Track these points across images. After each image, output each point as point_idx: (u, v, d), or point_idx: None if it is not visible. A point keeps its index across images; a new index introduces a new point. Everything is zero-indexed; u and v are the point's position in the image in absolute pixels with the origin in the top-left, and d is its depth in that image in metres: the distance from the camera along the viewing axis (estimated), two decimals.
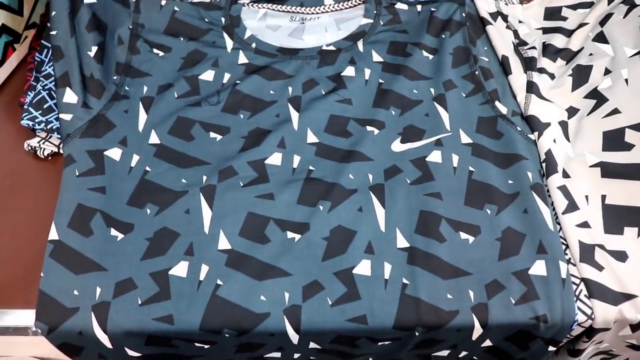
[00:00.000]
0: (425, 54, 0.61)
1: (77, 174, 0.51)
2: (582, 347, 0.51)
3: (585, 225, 0.51)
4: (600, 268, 0.49)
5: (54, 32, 0.54)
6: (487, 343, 0.49)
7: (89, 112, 0.54)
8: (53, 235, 0.48)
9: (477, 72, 0.59)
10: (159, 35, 0.60)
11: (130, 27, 0.59)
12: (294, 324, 0.45)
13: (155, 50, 0.59)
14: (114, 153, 0.53)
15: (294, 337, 0.46)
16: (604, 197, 0.53)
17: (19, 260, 0.50)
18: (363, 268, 0.48)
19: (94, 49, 0.56)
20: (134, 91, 0.56)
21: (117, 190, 0.50)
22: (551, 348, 0.49)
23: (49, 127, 0.55)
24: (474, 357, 0.52)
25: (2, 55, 0.59)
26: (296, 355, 0.50)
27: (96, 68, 0.55)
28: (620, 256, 0.50)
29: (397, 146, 0.54)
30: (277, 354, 0.49)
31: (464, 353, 0.51)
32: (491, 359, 0.52)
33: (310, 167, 0.52)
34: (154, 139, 0.54)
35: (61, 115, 0.53)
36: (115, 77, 0.56)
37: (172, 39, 0.60)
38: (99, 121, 0.54)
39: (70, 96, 0.53)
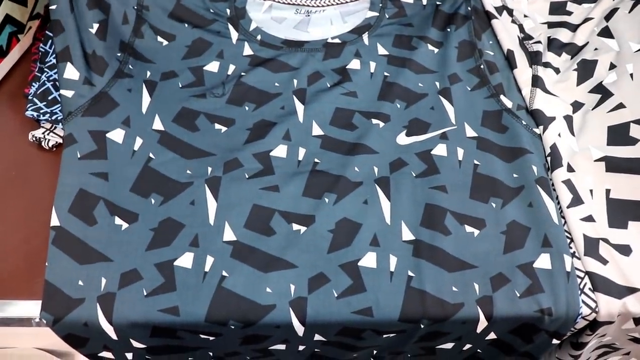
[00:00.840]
0: (430, 47, 0.61)
1: (79, 156, 0.51)
2: (586, 340, 0.51)
3: (589, 219, 0.51)
4: (604, 262, 0.49)
5: (53, 7, 0.54)
6: (492, 336, 0.49)
7: (92, 90, 0.53)
8: (54, 221, 0.48)
9: (482, 66, 0.59)
10: (163, 19, 0.59)
11: (135, 7, 0.58)
12: (300, 316, 0.45)
13: (159, 39, 0.58)
14: (117, 135, 0.52)
15: (300, 329, 0.46)
16: (608, 191, 0.53)
17: (23, 251, 0.50)
18: (368, 260, 0.48)
19: (96, 26, 0.55)
20: (137, 72, 0.56)
21: (120, 176, 0.50)
22: (555, 341, 0.49)
23: (53, 118, 0.54)
24: (478, 350, 0.53)
25: (6, 46, 0.59)
26: (301, 348, 0.50)
27: (98, 45, 0.55)
28: (625, 250, 0.50)
29: (403, 139, 0.54)
30: (282, 346, 0.49)
31: (468, 346, 0.51)
32: (495, 352, 0.53)
33: (316, 160, 0.52)
34: (157, 125, 0.53)
35: (62, 92, 0.52)
36: (119, 54, 0.56)
37: (177, 24, 0.60)
38: (102, 99, 0.53)
39: (71, 72, 0.53)
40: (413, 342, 0.50)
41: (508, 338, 0.50)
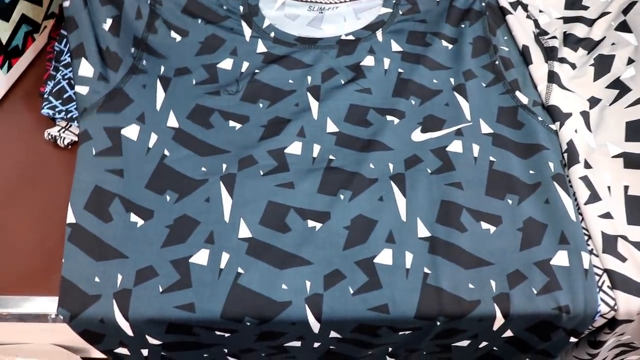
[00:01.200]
0: (444, 43, 0.60)
1: (94, 152, 0.51)
2: (604, 338, 0.50)
3: (607, 216, 0.51)
4: (623, 259, 0.49)
5: (66, 4, 0.54)
6: (508, 333, 0.49)
7: (106, 86, 0.54)
8: (70, 218, 0.48)
9: (497, 62, 0.59)
10: (177, 15, 0.60)
11: (149, 2, 0.58)
12: (316, 313, 0.45)
13: (173, 34, 0.58)
14: (131, 131, 0.52)
15: (315, 326, 0.46)
16: (626, 188, 0.52)
17: (39, 248, 0.51)
18: (384, 257, 0.47)
19: (109, 21, 0.55)
20: (151, 67, 0.56)
21: (136, 173, 0.50)
22: (572, 339, 0.49)
23: (69, 116, 0.55)
24: (494, 348, 0.52)
25: (22, 45, 0.60)
26: (316, 345, 0.50)
27: (112, 41, 0.55)
28: None
29: (418, 136, 0.54)
30: (297, 343, 0.49)
31: (484, 343, 0.51)
32: (511, 350, 0.52)
33: (331, 157, 0.52)
34: (172, 122, 0.53)
35: (77, 88, 0.53)
36: (132, 50, 0.56)
37: (190, 19, 0.60)
38: (116, 95, 0.54)
39: (86, 68, 0.53)
40: (429, 340, 0.49)
41: (525, 336, 0.49)
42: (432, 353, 0.53)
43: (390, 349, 0.52)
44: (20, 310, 0.48)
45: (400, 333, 0.48)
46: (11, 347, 0.56)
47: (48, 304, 0.48)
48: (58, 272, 0.48)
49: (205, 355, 0.52)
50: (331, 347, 0.50)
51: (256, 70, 0.57)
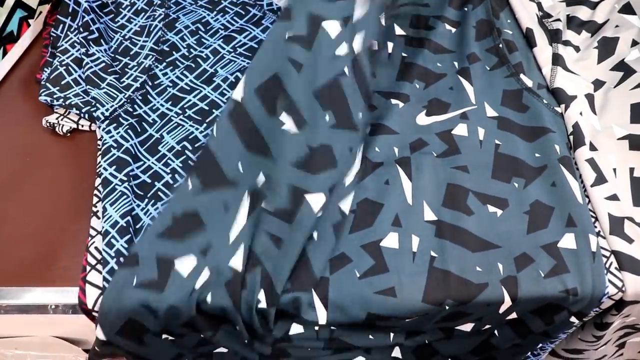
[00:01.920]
0: (448, 27, 0.60)
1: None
2: (610, 320, 0.50)
3: (614, 197, 0.51)
4: (630, 240, 0.49)
5: None
6: (513, 316, 0.48)
7: None
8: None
9: (501, 45, 0.58)
10: None
11: None
12: (322, 297, 0.44)
13: None
14: None
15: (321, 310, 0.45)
16: (632, 170, 0.52)
17: (38, 237, 0.50)
18: (390, 241, 0.47)
19: None
20: None
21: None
22: (575, 320, 0.48)
23: (67, 103, 0.54)
24: (495, 332, 0.52)
25: (17, 31, 0.58)
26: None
27: None
28: None
29: (423, 119, 0.54)
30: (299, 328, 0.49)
31: (487, 326, 0.50)
32: (509, 332, 0.51)
33: None
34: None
35: None
36: None
37: None
38: None
39: None
40: (434, 323, 0.49)
41: (528, 318, 0.49)
42: (437, 339, 0.53)
43: (392, 334, 0.51)
44: (20, 302, 0.47)
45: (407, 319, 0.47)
46: (11, 340, 0.55)
47: (48, 295, 0.47)
48: (58, 262, 0.47)
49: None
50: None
51: None
